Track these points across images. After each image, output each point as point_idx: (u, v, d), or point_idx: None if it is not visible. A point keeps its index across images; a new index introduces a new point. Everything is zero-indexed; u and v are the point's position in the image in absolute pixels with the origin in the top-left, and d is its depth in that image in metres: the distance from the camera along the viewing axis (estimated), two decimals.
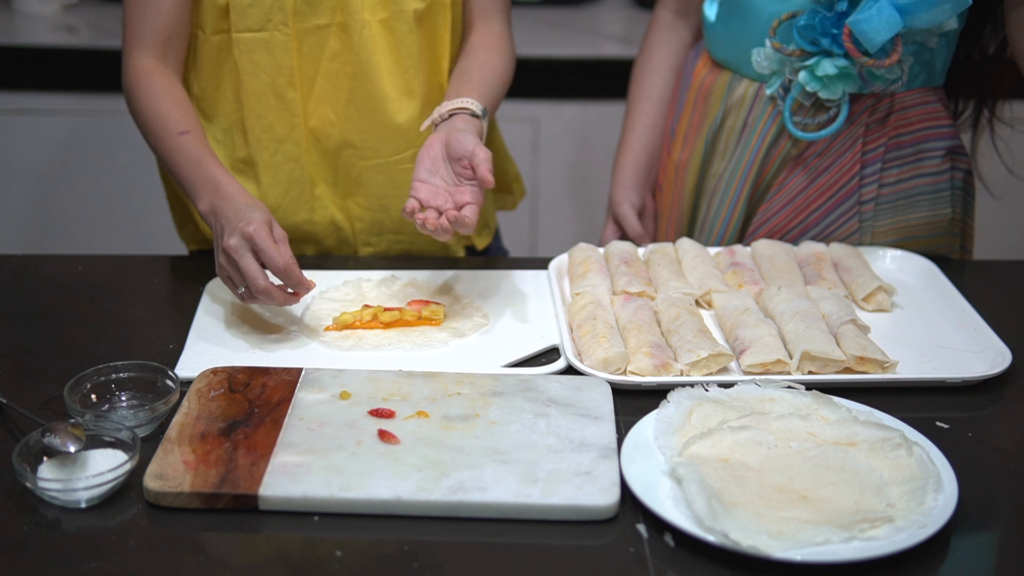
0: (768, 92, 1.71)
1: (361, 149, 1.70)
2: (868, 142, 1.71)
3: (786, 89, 1.70)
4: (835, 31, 1.60)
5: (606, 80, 2.77)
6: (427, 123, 1.56)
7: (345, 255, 1.76)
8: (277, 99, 1.64)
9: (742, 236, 1.81)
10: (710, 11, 1.77)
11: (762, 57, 1.69)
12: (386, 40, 1.64)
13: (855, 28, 1.57)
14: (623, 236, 1.91)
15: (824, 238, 1.75)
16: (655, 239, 1.95)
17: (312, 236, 1.76)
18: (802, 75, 1.65)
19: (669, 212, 1.91)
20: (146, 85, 1.58)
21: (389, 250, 1.79)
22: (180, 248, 1.93)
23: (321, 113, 1.67)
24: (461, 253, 1.85)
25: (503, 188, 1.92)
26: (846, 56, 1.62)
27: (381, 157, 1.71)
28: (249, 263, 1.39)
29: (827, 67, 1.62)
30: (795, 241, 1.76)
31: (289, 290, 1.42)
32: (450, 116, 1.54)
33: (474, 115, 1.54)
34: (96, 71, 2.71)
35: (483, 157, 1.44)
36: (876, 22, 1.55)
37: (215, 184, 1.48)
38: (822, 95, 1.66)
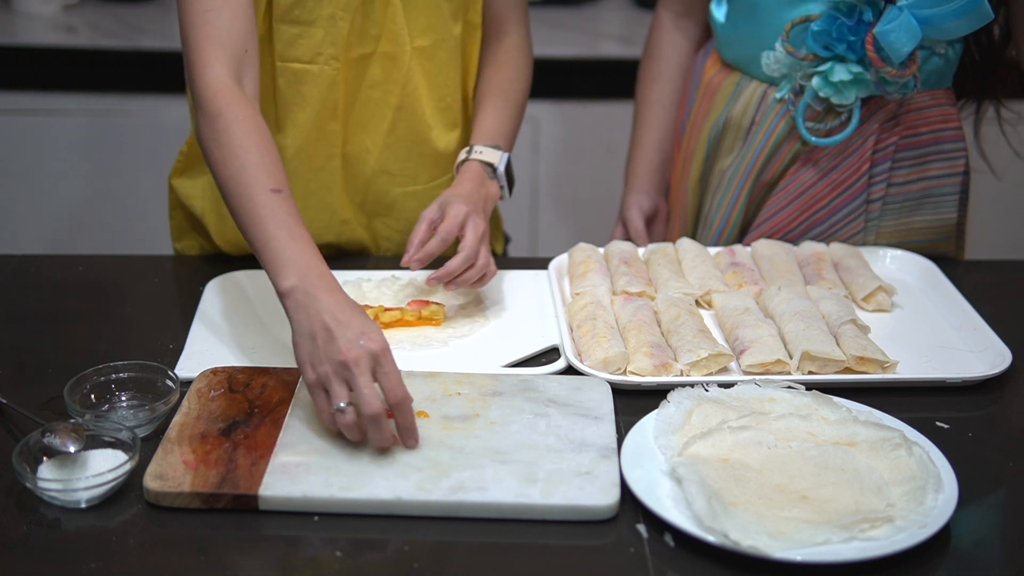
0: (777, 96, 1.71)
1: (398, 176, 1.69)
2: (879, 141, 1.70)
3: (796, 93, 1.69)
4: (852, 38, 1.59)
5: (606, 80, 2.77)
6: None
7: (346, 256, 1.76)
8: (319, 131, 1.61)
9: (744, 232, 1.81)
10: (718, 12, 1.77)
11: (772, 60, 1.69)
12: (424, 68, 1.62)
13: (881, 38, 1.56)
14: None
15: (829, 236, 1.75)
16: (667, 239, 1.95)
17: (335, 254, 1.74)
18: (815, 80, 1.65)
19: (678, 208, 1.92)
20: (234, 114, 1.34)
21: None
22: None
23: (357, 140, 1.65)
24: None
25: None
26: (860, 62, 1.61)
27: (419, 184, 1.70)
28: (368, 383, 1.18)
29: (841, 73, 1.62)
30: (799, 238, 1.76)
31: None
32: (461, 164, 1.61)
33: (461, 163, 1.61)
34: (96, 71, 2.70)
35: (448, 217, 1.50)
36: (901, 33, 1.55)
37: (307, 266, 1.26)
38: (835, 100, 1.65)
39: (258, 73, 1.43)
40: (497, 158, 1.60)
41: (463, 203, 1.51)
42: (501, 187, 1.61)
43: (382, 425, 1.18)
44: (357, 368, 1.17)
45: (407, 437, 1.21)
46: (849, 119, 1.68)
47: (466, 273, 1.50)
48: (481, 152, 1.60)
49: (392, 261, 1.73)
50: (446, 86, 1.65)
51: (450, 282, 1.50)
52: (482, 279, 1.52)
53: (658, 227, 1.95)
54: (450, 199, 1.52)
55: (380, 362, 1.18)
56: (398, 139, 1.66)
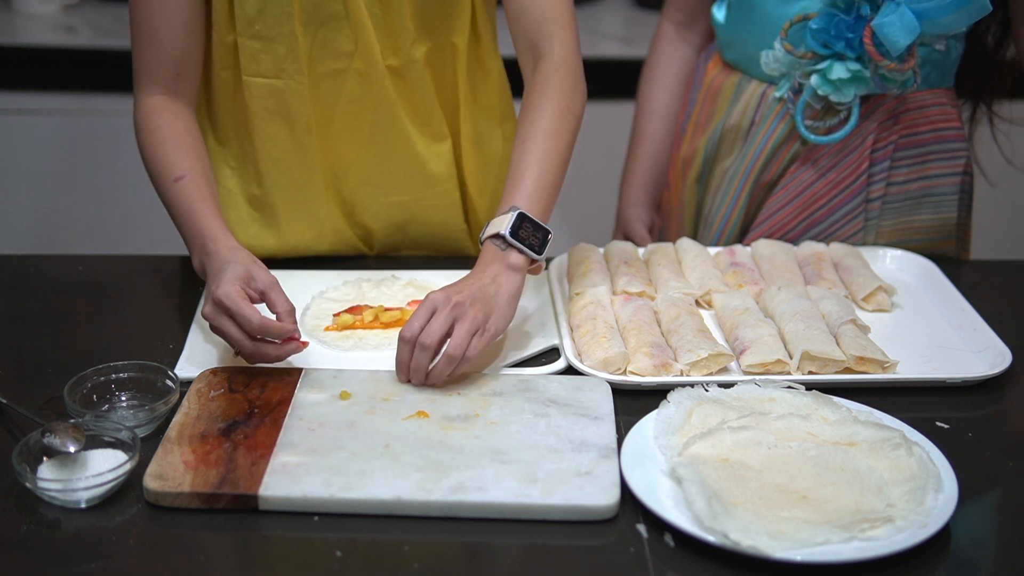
0: (776, 95, 1.71)
1: (382, 187, 1.68)
2: (878, 140, 1.71)
3: (795, 92, 1.70)
4: (850, 35, 1.60)
5: (606, 80, 2.76)
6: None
7: (346, 256, 1.75)
8: (295, 144, 1.61)
9: (745, 231, 1.81)
10: (719, 13, 1.78)
11: (771, 59, 1.69)
12: (398, 87, 1.60)
13: (879, 31, 1.57)
14: None
15: (829, 236, 1.75)
16: (665, 239, 1.95)
17: (332, 259, 1.74)
18: (814, 78, 1.65)
19: (676, 209, 1.92)
20: (148, 127, 1.52)
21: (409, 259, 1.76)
22: (181, 248, 1.92)
23: (339, 152, 1.64)
24: (476, 253, 1.83)
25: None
26: (859, 59, 1.62)
27: (403, 195, 1.69)
28: (227, 328, 1.31)
29: (839, 70, 1.62)
30: (799, 237, 1.76)
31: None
32: (484, 241, 1.41)
33: (502, 239, 1.38)
34: (96, 71, 2.70)
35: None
36: (898, 26, 1.55)
37: (202, 238, 1.41)
38: (833, 98, 1.66)
39: (195, 86, 1.56)
40: (503, 224, 1.38)
41: (436, 291, 1.34)
42: (521, 251, 1.38)
43: (264, 352, 1.32)
44: (214, 321, 1.32)
45: (288, 342, 1.34)
46: (848, 117, 1.68)
47: (435, 370, 1.32)
48: (486, 228, 1.40)
49: (391, 261, 1.73)
50: (422, 104, 1.63)
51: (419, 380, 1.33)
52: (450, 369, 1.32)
53: (653, 239, 1.96)
54: (430, 295, 1.34)
55: (224, 305, 1.30)
56: (379, 151, 1.64)
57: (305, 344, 1.36)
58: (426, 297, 1.34)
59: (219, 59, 1.56)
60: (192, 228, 1.43)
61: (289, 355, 1.35)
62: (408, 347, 1.32)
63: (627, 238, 1.95)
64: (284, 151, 1.61)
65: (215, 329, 1.33)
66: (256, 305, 1.34)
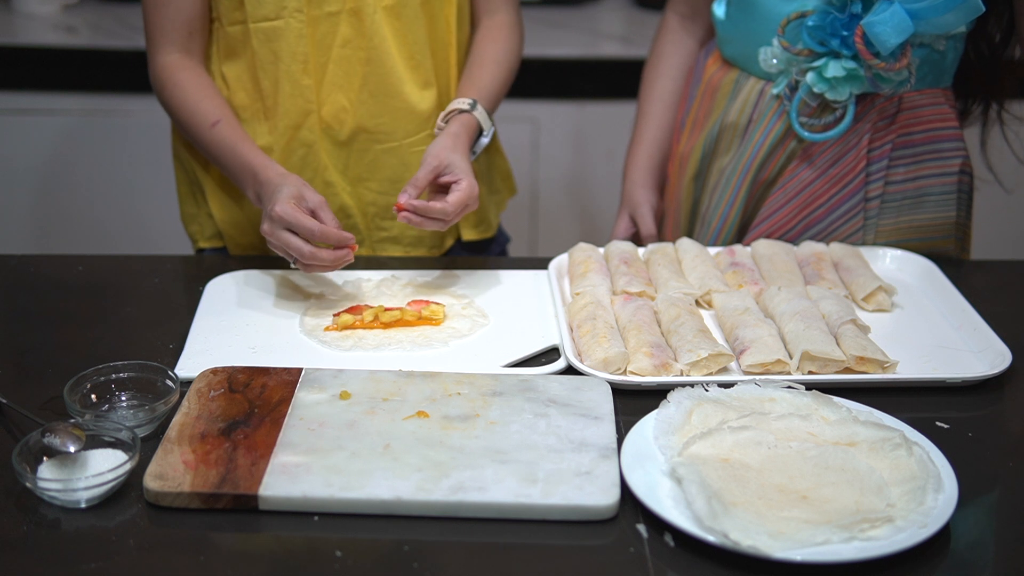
0: (774, 92, 1.71)
1: (375, 133, 1.72)
2: (875, 139, 1.71)
3: (792, 89, 1.70)
4: (845, 33, 1.60)
5: (606, 80, 2.77)
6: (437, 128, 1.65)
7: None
8: (292, 86, 1.67)
9: (743, 231, 1.81)
10: (719, 9, 1.78)
11: (769, 56, 1.69)
12: (393, 26, 1.67)
13: (869, 30, 1.57)
14: (635, 232, 1.92)
15: (828, 235, 1.75)
16: (662, 237, 1.96)
17: None
18: (809, 76, 1.66)
19: (673, 206, 1.92)
20: (174, 82, 1.64)
21: (402, 234, 1.80)
22: (181, 248, 1.93)
23: (334, 100, 1.70)
24: (450, 242, 1.85)
25: (492, 188, 1.92)
26: (854, 58, 1.62)
27: (395, 140, 1.74)
28: (286, 238, 1.46)
29: (835, 68, 1.63)
30: (799, 237, 1.76)
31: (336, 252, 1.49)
32: (447, 121, 1.64)
33: (463, 111, 1.64)
34: (96, 71, 2.71)
35: (461, 189, 1.53)
36: (889, 25, 1.55)
37: (252, 171, 1.56)
38: (829, 96, 1.66)
39: (205, 43, 1.68)
40: (487, 126, 1.65)
41: (474, 178, 1.55)
42: (472, 154, 1.65)
43: (320, 256, 1.46)
44: (272, 236, 1.47)
45: (344, 247, 1.49)
46: (843, 115, 1.68)
47: (431, 222, 1.53)
48: (481, 114, 1.65)
49: (392, 261, 1.73)
50: (416, 43, 1.70)
51: (418, 220, 1.53)
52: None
53: (657, 225, 1.96)
54: (464, 170, 1.55)
55: (284, 220, 1.46)
56: (371, 94, 1.70)
57: (355, 248, 1.50)
58: (469, 180, 1.54)
59: (226, 14, 1.65)
60: (239, 164, 1.58)
61: (342, 261, 1.48)
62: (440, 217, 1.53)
63: (633, 220, 1.94)
64: (283, 94, 1.68)
65: (273, 244, 1.49)
66: None
